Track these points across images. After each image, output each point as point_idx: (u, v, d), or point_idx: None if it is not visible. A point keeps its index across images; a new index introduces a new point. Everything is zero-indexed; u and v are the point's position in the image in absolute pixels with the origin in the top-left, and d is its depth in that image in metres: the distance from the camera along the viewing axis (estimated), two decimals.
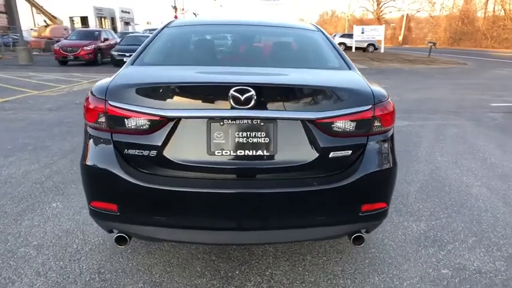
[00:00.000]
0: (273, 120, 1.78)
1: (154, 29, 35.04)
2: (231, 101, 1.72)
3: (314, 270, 2.35)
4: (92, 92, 1.90)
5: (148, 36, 14.60)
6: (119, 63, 15.61)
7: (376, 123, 1.87)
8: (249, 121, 1.78)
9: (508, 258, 2.50)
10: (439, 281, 2.26)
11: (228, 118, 1.76)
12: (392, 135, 2.00)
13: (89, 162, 1.86)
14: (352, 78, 2.10)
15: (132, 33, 24.86)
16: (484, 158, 4.56)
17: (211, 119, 1.77)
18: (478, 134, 5.74)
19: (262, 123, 1.78)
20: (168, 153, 1.79)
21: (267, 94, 1.77)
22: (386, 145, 1.95)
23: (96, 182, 1.89)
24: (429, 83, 12.10)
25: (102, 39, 17.36)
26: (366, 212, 1.90)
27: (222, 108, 1.76)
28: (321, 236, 2.03)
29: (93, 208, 1.92)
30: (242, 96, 1.71)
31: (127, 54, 15.45)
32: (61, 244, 2.57)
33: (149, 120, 1.76)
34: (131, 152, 1.80)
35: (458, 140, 5.39)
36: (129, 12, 51.03)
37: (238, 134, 1.78)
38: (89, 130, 1.90)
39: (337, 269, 2.36)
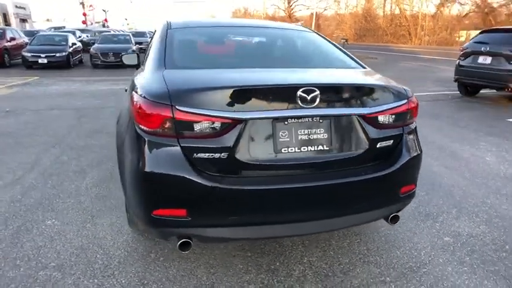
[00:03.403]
0: (330, 116, 1.94)
1: (60, 28, 32.02)
2: (299, 100, 1.83)
3: (344, 252, 2.56)
4: (146, 97, 1.84)
5: (63, 35, 14.10)
6: (33, 65, 14.15)
7: (409, 115, 2.14)
8: (310, 119, 1.91)
9: (486, 222, 3.00)
10: (447, 247, 2.64)
11: (293, 117, 1.87)
12: (416, 126, 2.30)
13: (151, 169, 1.81)
14: (380, 76, 2.34)
15: (43, 31, 22.50)
16: (432, 141, 5.24)
17: (276, 119, 1.86)
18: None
19: (321, 120, 1.93)
20: (237, 154, 1.84)
21: (327, 93, 1.91)
22: (414, 134, 2.23)
23: (162, 189, 1.85)
24: None
25: (8, 39, 15.46)
26: (404, 193, 2.17)
27: (288, 108, 1.86)
28: (371, 218, 2.24)
29: (156, 217, 1.87)
30: (308, 96, 1.83)
31: (42, 56, 14.07)
32: (83, 262, 2.40)
33: (219, 123, 1.78)
34: (201, 155, 1.81)
35: None
36: (24, 8, 45.65)
37: (301, 132, 1.90)
38: (146, 136, 1.84)
39: (363, 249, 2.61)
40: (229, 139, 1.81)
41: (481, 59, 8.11)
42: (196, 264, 2.40)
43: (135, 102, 1.91)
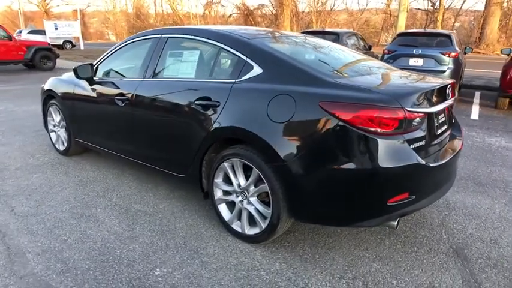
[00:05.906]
0: (448, 105, 2.70)
1: None
2: (447, 95, 2.55)
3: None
4: (383, 105, 2.11)
5: None
6: None
7: None
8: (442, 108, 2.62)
9: None
10: None
11: (442, 107, 2.53)
12: None
13: (391, 165, 2.15)
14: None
15: None
16: None
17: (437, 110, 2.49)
18: None
19: (444, 108, 2.68)
20: (427, 139, 2.38)
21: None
22: None
23: (397, 178, 2.21)
24: None
25: None
26: None
27: (441, 102, 2.53)
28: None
29: (391, 204, 2.19)
30: (449, 91, 2.57)
31: None
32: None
33: (420, 118, 2.28)
34: (414, 145, 2.25)
35: None
36: None
37: (438, 118, 2.57)
38: (378, 137, 2.12)
39: None
40: (423, 129, 2.33)
41: None
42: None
43: (361, 109, 2.11)
